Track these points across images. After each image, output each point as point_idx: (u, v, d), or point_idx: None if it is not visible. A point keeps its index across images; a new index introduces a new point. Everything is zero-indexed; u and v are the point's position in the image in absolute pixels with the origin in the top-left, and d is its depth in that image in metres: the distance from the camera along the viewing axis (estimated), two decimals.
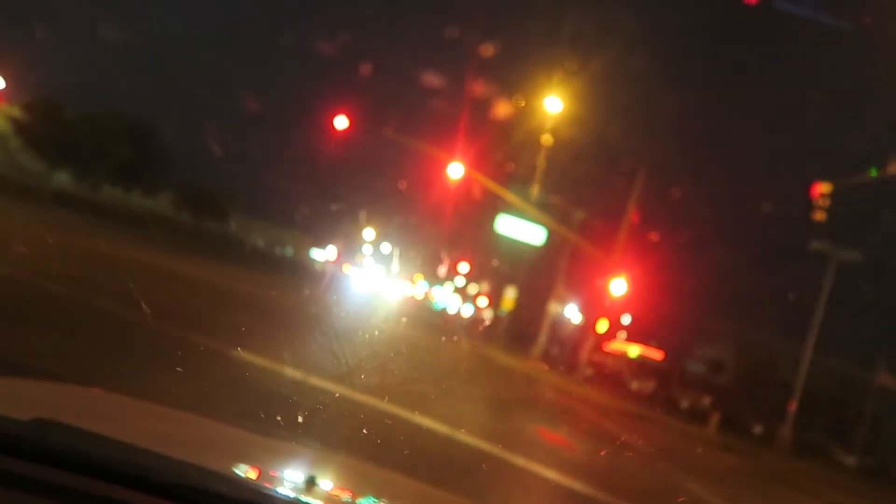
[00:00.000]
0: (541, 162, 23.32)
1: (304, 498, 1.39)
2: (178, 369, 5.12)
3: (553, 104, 20.23)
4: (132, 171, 40.98)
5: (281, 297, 19.02)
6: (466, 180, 22.29)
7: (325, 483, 1.74)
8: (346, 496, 1.68)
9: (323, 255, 63.94)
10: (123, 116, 41.29)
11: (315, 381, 6.54)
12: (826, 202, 15.50)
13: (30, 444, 1.13)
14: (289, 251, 66.51)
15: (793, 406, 23.50)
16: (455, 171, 21.46)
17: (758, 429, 25.61)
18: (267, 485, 1.48)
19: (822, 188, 15.30)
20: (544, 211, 24.84)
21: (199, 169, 49.05)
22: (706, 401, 27.71)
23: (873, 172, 15.53)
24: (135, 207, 41.48)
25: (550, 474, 6.91)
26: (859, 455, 25.30)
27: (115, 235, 21.18)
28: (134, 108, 43.16)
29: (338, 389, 6.40)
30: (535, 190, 23.08)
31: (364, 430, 4.91)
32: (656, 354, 36.16)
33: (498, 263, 39.81)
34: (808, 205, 15.70)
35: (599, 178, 28.18)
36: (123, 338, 6.56)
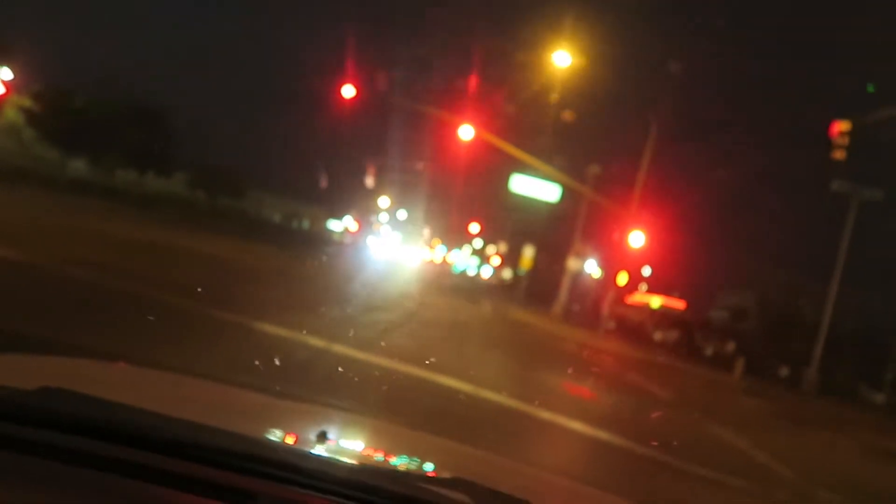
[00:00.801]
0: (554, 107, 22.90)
1: (335, 458, 1.40)
2: (193, 338, 5.20)
3: (562, 58, 19.91)
4: (145, 153, 41.13)
5: (301, 267, 19.17)
6: (479, 142, 22.11)
7: (356, 444, 1.76)
8: (378, 455, 1.70)
9: (340, 225, 64.19)
10: (133, 99, 41.31)
11: (338, 347, 6.62)
12: (846, 140, 15.16)
13: (35, 412, 1.17)
14: (305, 224, 66.81)
15: (818, 347, 23.42)
16: (466, 133, 21.30)
17: (783, 372, 25.62)
18: (294, 445, 1.49)
19: (841, 126, 14.96)
20: (558, 165, 24.61)
21: (211, 147, 49.29)
22: (730, 347, 27.70)
23: (870, 89, 15.12)
24: (150, 189, 41.74)
25: (576, 426, 6.97)
26: (887, 393, 25.25)
27: (132, 218, 21.37)
28: (143, 91, 43.19)
29: (362, 353, 6.48)
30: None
31: (388, 391, 4.97)
32: (678, 304, 36.09)
33: (514, 223, 39.70)
34: (829, 144, 15.37)
35: (614, 127, 27.82)
36: (145, 314, 6.66)
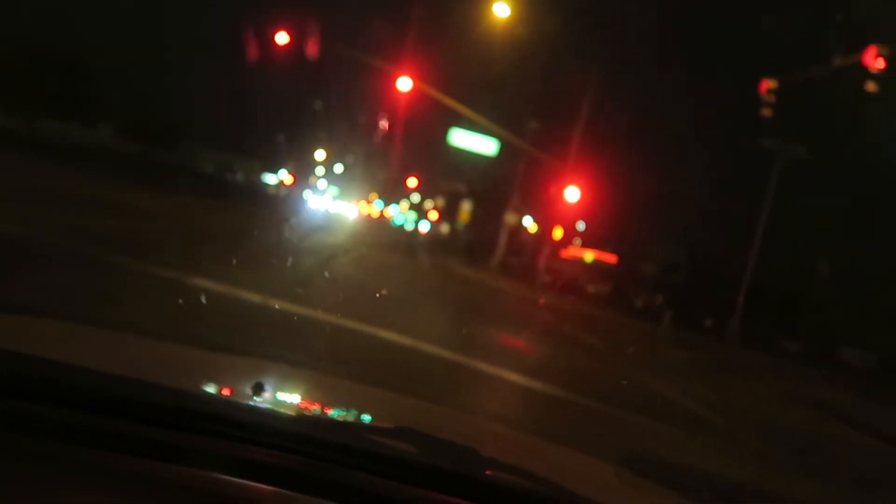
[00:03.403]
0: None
1: (272, 409, 1.37)
2: (135, 298, 5.03)
3: (502, 9, 19.71)
4: (67, 102, 38.95)
5: (237, 222, 18.72)
6: (417, 95, 21.83)
7: (294, 395, 1.72)
8: (317, 406, 1.67)
9: (275, 179, 62.84)
10: (51, 48, 38.87)
11: (277, 302, 6.52)
12: (773, 98, 15.64)
13: None
14: (239, 176, 65.10)
15: (740, 299, 24.53)
16: (404, 84, 20.98)
17: (708, 323, 26.76)
18: (228, 397, 1.44)
19: (768, 84, 15.40)
20: (497, 119, 24.59)
21: (139, 96, 47.07)
22: (659, 299, 28.74)
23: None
24: (76, 140, 39.65)
25: (513, 377, 7.12)
26: (803, 342, 26.76)
27: (59, 170, 20.30)
28: (60, 39, 40.65)
29: (299, 308, 6.41)
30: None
31: (327, 344, 4.95)
32: (610, 258, 37.12)
33: (452, 177, 39.73)
34: (758, 102, 15.82)
35: (551, 84, 27.93)
36: (77, 272, 6.39)
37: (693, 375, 12.72)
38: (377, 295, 9.84)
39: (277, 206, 35.35)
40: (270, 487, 1.06)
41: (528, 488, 1.18)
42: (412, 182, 53.57)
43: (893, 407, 12.91)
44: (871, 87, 12.73)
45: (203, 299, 6.18)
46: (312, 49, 18.76)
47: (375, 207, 62.02)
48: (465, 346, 7.95)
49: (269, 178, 63.56)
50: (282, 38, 19.17)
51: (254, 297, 6.73)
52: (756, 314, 25.24)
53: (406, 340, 6.92)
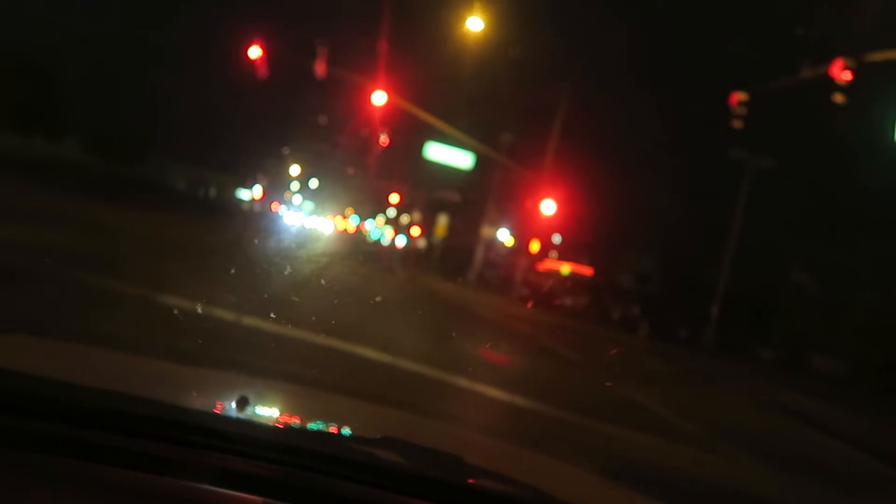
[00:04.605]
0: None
1: (257, 421, 1.36)
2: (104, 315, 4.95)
3: (475, 23, 19.86)
4: (30, 114, 38.27)
5: (210, 238, 18.54)
6: (393, 110, 21.89)
7: (279, 408, 1.71)
8: (302, 418, 1.66)
9: (249, 194, 62.40)
10: (16, 57, 38.26)
11: (249, 319, 6.46)
12: (744, 110, 15.93)
13: None
14: (212, 192, 64.50)
15: (715, 309, 24.83)
16: (379, 98, 21.02)
17: (683, 333, 27.01)
18: (216, 411, 1.43)
19: (739, 96, 15.70)
20: (472, 133, 24.71)
21: (106, 109, 46.47)
22: (635, 310, 28.96)
23: None
24: (40, 155, 38.96)
25: (493, 392, 7.11)
26: (776, 349, 27.13)
27: (22, 186, 19.94)
28: (27, 49, 39.99)
29: (276, 325, 6.34)
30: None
31: (308, 362, 4.91)
32: (587, 270, 37.38)
33: (428, 191, 39.80)
34: (728, 114, 16.11)
35: (525, 98, 28.20)
36: (47, 290, 6.27)
37: (669, 385, 12.82)
38: (354, 311, 9.79)
39: (251, 221, 35.07)
40: (258, 497, 1.05)
41: (511, 495, 1.18)
42: (394, 198, 53.56)
43: (860, 413, 13.19)
44: (838, 98, 13.01)
45: (179, 315, 6.10)
46: (286, 64, 18.75)
47: (351, 222, 61.83)
48: (445, 360, 7.93)
49: (243, 194, 63.11)
50: (254, 51, 19.11)
51: (228, 315, 6.65)
52: (730, 323, 25.55)
53: (385, 357, 6.90)
